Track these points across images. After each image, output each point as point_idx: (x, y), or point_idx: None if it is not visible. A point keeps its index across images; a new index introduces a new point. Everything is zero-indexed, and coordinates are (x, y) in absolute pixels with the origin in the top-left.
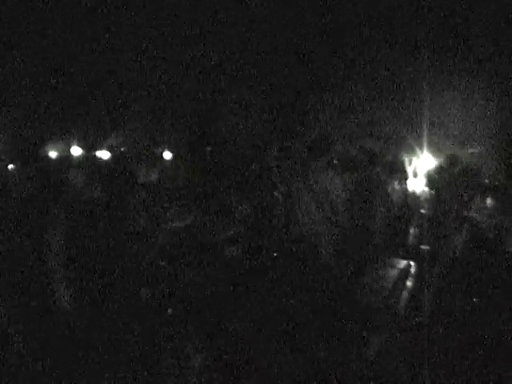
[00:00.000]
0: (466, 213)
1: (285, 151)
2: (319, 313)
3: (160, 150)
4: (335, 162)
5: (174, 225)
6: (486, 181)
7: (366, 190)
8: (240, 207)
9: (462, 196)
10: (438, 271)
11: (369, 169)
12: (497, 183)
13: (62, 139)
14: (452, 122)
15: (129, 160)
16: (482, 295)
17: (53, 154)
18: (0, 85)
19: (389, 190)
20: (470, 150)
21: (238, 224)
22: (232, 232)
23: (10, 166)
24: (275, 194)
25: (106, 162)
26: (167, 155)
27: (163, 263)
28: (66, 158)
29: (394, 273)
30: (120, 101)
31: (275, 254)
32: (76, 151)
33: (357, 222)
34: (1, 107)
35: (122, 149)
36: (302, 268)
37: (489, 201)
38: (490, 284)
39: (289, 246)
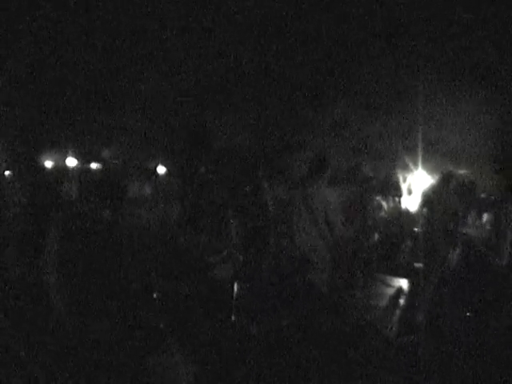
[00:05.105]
0: (461, 229)
1: (280, 168)
2: (311, 329)
3: (154, 164)
4: (330, 179)
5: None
6: (482, 196)
7: (361, 208)
8: (234, 227)
9: (457, 213)
10: (431, 289)
11: (363, 186)
12: (493, 198)
13: (58, 150)
14: (447, 138)
15: (121, 173)
16: (475, 311)
17: (48, 164)
18: None
19: (383, 207)
20: (465, 169)
21: (232, 244)
22: (225, 253)
23: (7, 173)
24: (270, 212)
25: (98, 173)
26: (161, 170)
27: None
28: (61, 168)
29: (387, 290)
30: (115, 114)
31: (268, 272)
32: (71, 162)
33: (351, 239)
34: None
35: (116, 161)
36: (295, 285)
37: (485, 217)
38: (485, 300)
39: (282, 264)
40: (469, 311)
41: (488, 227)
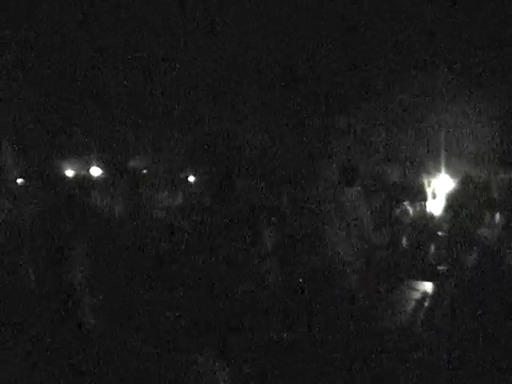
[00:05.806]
0: (477, 230)
1: (311, 179)
2: (338, 334)
3: (185, 173)
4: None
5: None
6: (495, 195)
7: (388, 213)
8: (267, 235)
9: (474, 213)
10: (453, 291)
11: (390, 192)
12: (502, 197)
13: (82, 158)
14: (468, 141)
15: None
16: (493, 312)
17: (69, 173)
18: (20, 102)
19: (409, 212)
20: (487, 171)
21: (270, 257)
22: (264, 269)
23: (20, 181)
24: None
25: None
26: (192, 179)
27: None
28: (85, 177)
29: (413, 295)
30: (145, 123)
31: (301, 280)
32: (95, 171)
33: (380, 245)
34: (20, 125)
35: (145, 171)
36: (326, 291)
37: (498, 216)
38: (501, 301)
39: (315, 270)
40: (486, 312)
41: (502, 228)
